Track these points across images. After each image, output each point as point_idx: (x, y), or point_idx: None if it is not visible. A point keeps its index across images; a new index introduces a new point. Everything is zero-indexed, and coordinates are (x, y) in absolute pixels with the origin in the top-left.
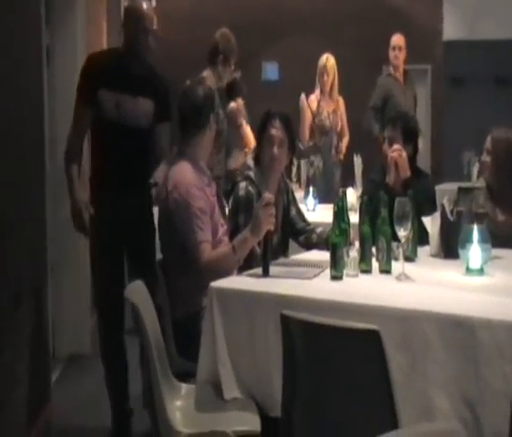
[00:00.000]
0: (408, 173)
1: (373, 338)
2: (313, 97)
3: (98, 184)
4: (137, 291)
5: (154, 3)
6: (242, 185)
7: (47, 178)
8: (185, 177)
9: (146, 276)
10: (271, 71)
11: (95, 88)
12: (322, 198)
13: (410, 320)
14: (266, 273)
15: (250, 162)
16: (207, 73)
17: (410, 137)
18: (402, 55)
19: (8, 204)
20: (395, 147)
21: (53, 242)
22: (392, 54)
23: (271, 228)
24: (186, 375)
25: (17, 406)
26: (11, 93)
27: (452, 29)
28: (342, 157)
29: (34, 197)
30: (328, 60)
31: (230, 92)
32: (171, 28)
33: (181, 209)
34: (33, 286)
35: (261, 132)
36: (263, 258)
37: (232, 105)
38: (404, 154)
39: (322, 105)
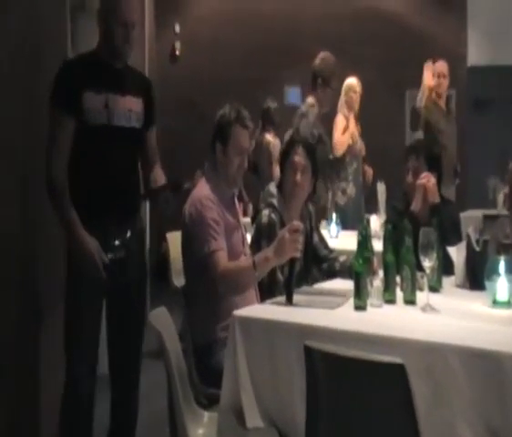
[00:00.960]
0: (437, 199)
1: (397, 371)
2: (341, 117)
3: (82, 213)
4: (160, 318)
5: (178, 28)
6: (265, 212)
7: None
8: (200, 192)
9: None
10: (293, 95)
11: (77, 92)
12: (352, 225)
13: (435, 352)
14: (290, 302)
15: (273, 189)
16: (311, 99)
17: (434, 164)
18: (445, 83)
19: (27, 220)
20: (424, 174)
21: None
22: (436, 81)
23: (297, 255)
24: (208, 402)
25: None
26: (35, 115)
27: (476, 54)
28: (370, 183)
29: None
30: (354, 80)
31: (264, 120)
32: (194, 52)
33: (195, 222)
34: (53, 301)
35: (284, 159)
36: (287, 285)
37: (268, 139)
38: (433, 180)
39: (351, 126)
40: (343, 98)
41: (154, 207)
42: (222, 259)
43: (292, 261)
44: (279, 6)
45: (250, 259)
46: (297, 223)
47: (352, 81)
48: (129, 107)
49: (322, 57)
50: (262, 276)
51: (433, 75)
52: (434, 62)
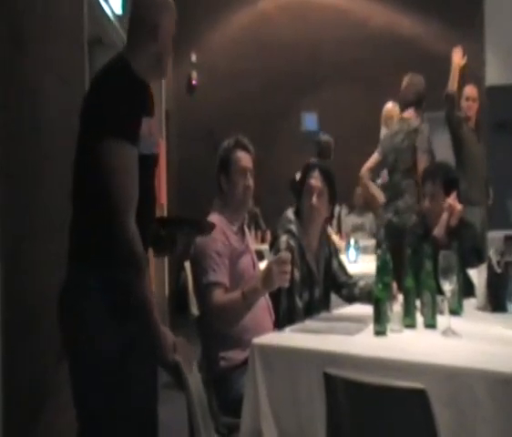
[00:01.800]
0: (455, 221)
1: (419, 397)
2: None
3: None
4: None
5: (194, 58)
6: (283, 238)
7: None
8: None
9: None
10: (310, 121)
11: (140, 117)
12: None
13: (458, 378)
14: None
15: (291, 215)
16: (413, 114)
17: (452, 188)
18: (475, 106)
19: (58, 252)
20: (451, 198)
21: None
22: (465, 104)
23: (285, 285)
24: (228, 432)
25: None
26: (62, 157)
27: (495, 74)
28: None
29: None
30: (394, 105)
31: (320, 154)
32: (211, 81)
33: (199, 252)
34: None
35: (301, 184)
36: (275, 313)
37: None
38: (459, 204)
39: None
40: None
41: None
42: (217, 293)
43: (279, 291)
44: (296, 34)
45: (240, 291)
46: (285, 254)
47: (391, 106)
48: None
49: (419, 78)
50: (253, 306)
51: (463, 56)
52: (461, 85)
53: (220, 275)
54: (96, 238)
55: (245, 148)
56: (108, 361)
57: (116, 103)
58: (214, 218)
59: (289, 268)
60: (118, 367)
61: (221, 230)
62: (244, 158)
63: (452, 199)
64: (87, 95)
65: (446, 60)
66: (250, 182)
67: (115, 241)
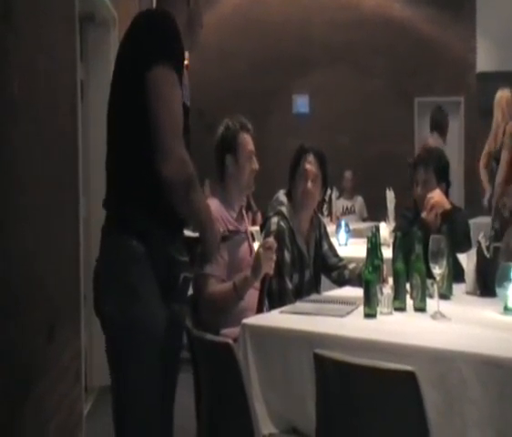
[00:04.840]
0: (448, 205)
1: (409, 379)
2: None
3: (170, 224)
4: None
5: None
6: (274, 220)
7: (81, 214)
8: None
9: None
10: (301, 104)
11: (184, 54)
12: None
13: (446, 360)
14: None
15: (283, 197)
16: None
17: (443, 174)
18: None
19: (42, 236)
20: (430, 194)
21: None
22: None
23: (270, 272)
24: None
25: None
26: (45, 128)
27: (485, 61)
28: None
29: (67, 229)
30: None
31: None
32: (202, 61)
33: None
34: (66, 316)
35: (294, 167)
36: (259, 298)
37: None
38: (439, 193)
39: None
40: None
41: None
42: (211, 285)
43: (265, 276)
44: (288, 16)
45: (232, 282)
46: (270, 241)
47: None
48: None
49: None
50: (244, 295)
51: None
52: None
53: (215, 268)
54: (142, 188)
55: (249, 131)
56: (155, 335)
57: (165, 35)
58: (214, 204)
59: (274, 255)
60: (163, 341)
61: (222, 221)
62: (249, 141)
63: (433, 193)
64: (128, 36)
65: (437, 43)
66: (257, 165)
67: (164, 163)
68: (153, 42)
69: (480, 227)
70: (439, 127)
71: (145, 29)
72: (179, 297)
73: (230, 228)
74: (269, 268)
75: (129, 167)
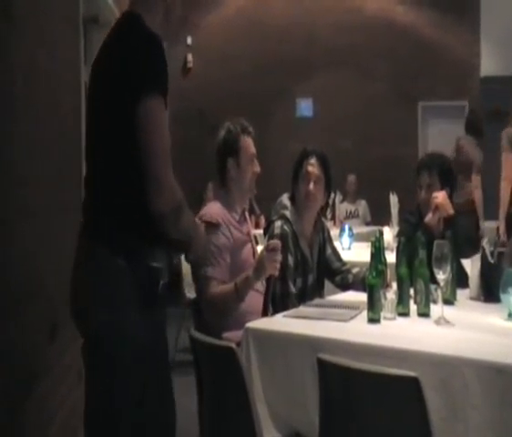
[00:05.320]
0: (451, 210)
1: (412, 384)
2: None
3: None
4: None
5: (190, 40)
6: (277, 224)
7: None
8: (211, 211)
9: None
10: (305, 107)
11: (167, 71)
12: None
13: (450, 366)
14: (265, 315)
15: (286, 201)
16: None
17: (447, 178)
18: None
19: (42, 236)
20: (435, 194)
21: None
22: None
23: (275, 273)
24: None
25: None
26: (46, 128)
27: (489, 65)
28: None
29: (67, 229)
30: None
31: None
32: (206, 64)
33: None
34: (67, 316)
35: (297, 170)
36: (264, 301)
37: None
38: (444, 194)
39: None
40: None
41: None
42: (212, 287)
43: (269, 279)
44: (291, 19)
45: (233, 283)
46: (274, 242)
47: None
48: None
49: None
50: (245, 296)
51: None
52: None
53: (217, 270)
54: (129, 209)
55: (250, 134)
56: (138, 348)
57: (153, 64)
58: (216, 208)
59: (279, 256)
60: (148, 354)
61: (225, 224)
62: (251, 144)
63: (435, 197)
64: (102, 59)
65: (440, 47)
66: (258, 168)
67: (156, 194)
68: (142, 72)
69: (486, 231)
70: (473, 128)
71: (132, 56)
72: (160, 303)
73: (233, 230)
74: (273, 269)
75: (110, 182)
